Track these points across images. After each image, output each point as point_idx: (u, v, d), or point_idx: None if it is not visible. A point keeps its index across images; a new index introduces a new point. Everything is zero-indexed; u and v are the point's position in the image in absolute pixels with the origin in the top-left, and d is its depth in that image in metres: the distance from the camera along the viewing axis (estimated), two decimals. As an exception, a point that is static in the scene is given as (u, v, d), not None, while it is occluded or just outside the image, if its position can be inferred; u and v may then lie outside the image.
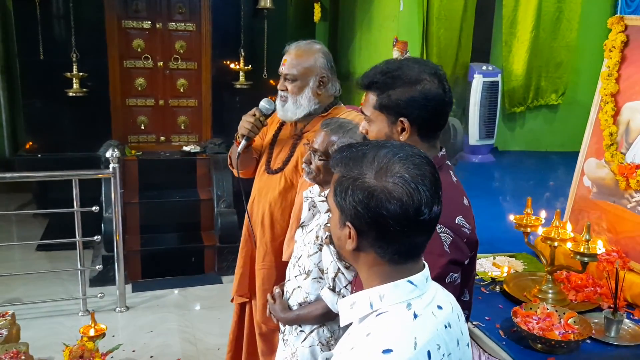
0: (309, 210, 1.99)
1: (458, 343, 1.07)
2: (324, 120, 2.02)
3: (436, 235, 1.33)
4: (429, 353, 0.98)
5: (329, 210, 1.88)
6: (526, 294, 2.39)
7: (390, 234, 0.99)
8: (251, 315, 2.51)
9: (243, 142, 2.32)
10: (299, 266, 1.98)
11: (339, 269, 1.84)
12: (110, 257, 4.28)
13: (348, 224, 1.02)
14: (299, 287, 1.98)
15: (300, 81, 2.26)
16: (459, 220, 1.39)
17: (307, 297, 1.96)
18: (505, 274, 2.54)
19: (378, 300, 1.02)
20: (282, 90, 2.29)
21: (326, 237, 1.84)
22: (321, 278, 1.92)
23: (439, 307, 1.06)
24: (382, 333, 0.97)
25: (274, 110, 2.35)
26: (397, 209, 0.97)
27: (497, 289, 2.47)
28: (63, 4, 4.74)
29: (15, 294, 4.16)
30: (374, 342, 0.96)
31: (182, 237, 4.99)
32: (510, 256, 2.83)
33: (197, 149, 5.27)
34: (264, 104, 2.32)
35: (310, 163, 1.94)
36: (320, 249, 1.90)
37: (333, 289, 1.85)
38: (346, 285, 1.83)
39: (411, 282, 1.03)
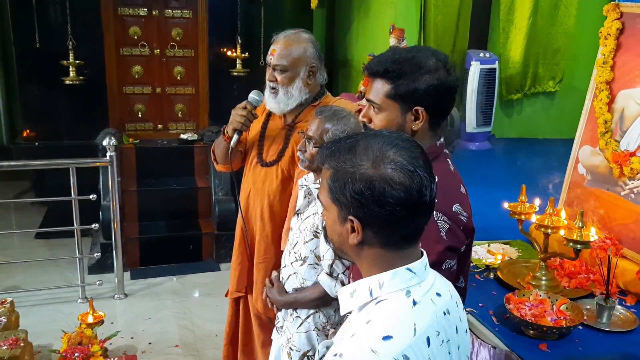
0: (305, 198, 2.00)
1: (457, 330, 1.09)
2: (318, 108, 2.02)
3: (433, 222, 1.35)
4: (428, 339, 0.99)
5: None
6: (520, 280, 2.42)
7: (396, 220, 1.00)
8: (246, 308, 2.51)
9: (235, 137, 2.27)
10: (295, 253, 2.01)
11: (335, 255, 1.86)
12: (108, 244, 4.30)
13: (351, 217, 1.02)
14: (294, 273, 2.02)
15: (291, 72, 2.23)
16: (455, 207, 1.41)
17: (303, 283, 1.99)
18: (499, 261, 2.56)
19: (378, 288, 1.03)
20: (271, 81, 2.26)
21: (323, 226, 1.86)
22: (317, 264, 1.95)
23: (438, 295, 1.07)
24: (382, 320, 0.99)
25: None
26: (402, 194, 0.98)
27: (491, 275, 2.50)
28: (58, -10, 4.71)
29: (14, 281, 4.18)
30: (374, 329, 0.97)
31: (180, 224, 5.00)
32: (505, 243, 2.86)
33: (195, 136, 5.27)
34: (254, 95, 2.29)
35: (305, 150, 1.95)
36: (316, 236, 1.92)
37: (330, 274, 1.87)
38: (344, 271, 1.86)
39: (410, 270, 1.04)
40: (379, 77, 1.49)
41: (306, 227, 1.96)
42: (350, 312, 1.11)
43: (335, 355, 0.97)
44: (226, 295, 2.57)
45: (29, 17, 4.69)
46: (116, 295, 4.05)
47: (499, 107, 5.44)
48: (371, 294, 1.04)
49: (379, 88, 1.48)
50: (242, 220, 2.39)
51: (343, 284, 1.85)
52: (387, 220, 1.01)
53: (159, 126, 5.44)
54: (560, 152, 4.84)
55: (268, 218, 2.33)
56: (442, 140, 1.54)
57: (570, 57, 5.48)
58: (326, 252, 1.88)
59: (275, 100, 2.27)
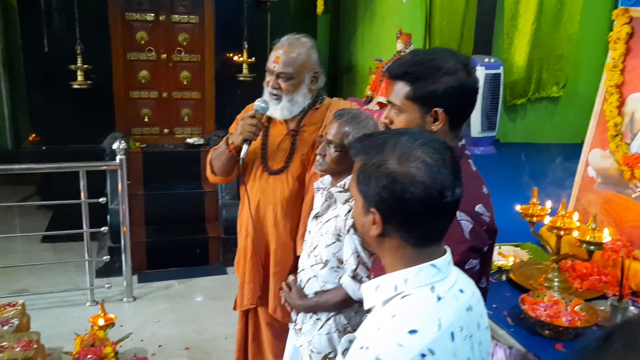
0: (326, 201, 2.01)
1: (478, 326, 1.11)
2: (337, 112, 2.01)
3: (456, 223, 1.36)
4: (452, 334, 1.01)
5: (347, 201, 1.92)
6: (532, 282, 2.43)
7: (414, 218, 1.03)
8: (255, 318, 2.46)
9: (245, 147, 2.19)
10: (315, 256, 2.00)
11: (359, 260, 1.87)
12: (115, 248, 4.32)
13: (372, 209, 1.05)
14: (314, 276, 2.01)
15: (296, 79, 2.20)
16: (478, 208, 1.43)
17: (324, 286, 1.98)
18: (511, 263, 2.58)
19: (402, 283, 1.05)
20: (275, 88, 2.20)
21: (350, 226, 1.87)
22: (339, 267, 1.95)
23: (461, 291, 1.09)
24: (407, 314, 1.01)
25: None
26: (421, 193, 1.00)
27: (504, 277, 2.52)
28: (67, -4, 4.74)
29: (21, 285, 4.19)
30: (400, 323, 0.99)
31: (187, 228, 5.01)
32: (516, 246, 2.88)
33: (201, 141, 5.29)
34: (260, 104, 2.21)
35: (325, 155, 1.94)
36: (339, 239, 1.93)
37: (354, 278, 1.88)
38: (367, 275, 1.86)
39: (434, 266, 1.06)
40: (398, 79, 1.51)
41: (328, 230, 1.96)
42: (372, 308, 1.13)
43: (362, 348, 0.98)
44: (234, 308, 2.50)
45: (37, 23, 4.73)
46: (125, 299, 4.06)
47: (503, 112, 5.48)
48: (396, 288, 1.06)
49: (399, 90, 1.51)
50: (254, 231, 2.32)
51: None
52: (406, 217, 1.04)
53: (165, 131, 5.46)
54: (565, 157, 4.87)
55: (283, 225, 2.29)
56: (463, 141, 1.56)
57: (573, 62, 5.54)
58: (350, 256, 1.89)
59: (278, 107, 2.23)
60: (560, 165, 4.55)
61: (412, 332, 0.97)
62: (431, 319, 1.00)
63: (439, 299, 1.04)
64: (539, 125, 5.68)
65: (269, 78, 2.24)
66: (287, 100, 2.22)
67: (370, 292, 1.10)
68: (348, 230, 1.90)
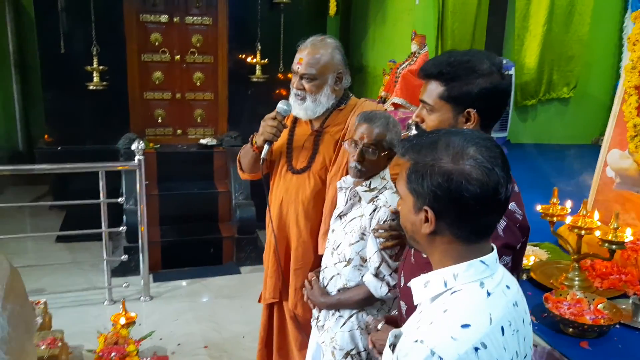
0: (350, 200, 2.04)
1: (523, 321, 1.14)
2: (361, 115, 2.01)
3: None
4: (502, 329, 1.04)
5: (372, 200, 1.95)
6: (553, 281, 2.46)
7: (469, 214, 1.06)
8: (281, 312, 2.52)
9: (266, 147, 2.26)
10: (339, 254, 2.03)
11: (383, 258, 1.91)
12: (131, 247, 4.37)
13: (426, 207, 1.07)
14: (338, 274, 2.04)
15: (319, 80, 2.23)
16: (511, 206, 1.45)
17: (346, 284, 2.01)
18: (531, 263, 2.61)
19: (452, 279, 1.08)
20: (299, 89, 2.26)
21: (376, 226, 1.90)
22: (362, 265, 1.98)
23: (508, 287, 1.12)
24: (459, 309, 1.04)
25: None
26: (478, 190, 1.03)
27: (524, 276, 2.54)
28: (83, -2, 4.79)
29: (39, 284, 4.23)
30: (452, 317, 1.02)
31: (201, 228, 5.06)
32: (534, 245, 2.91)
33: (214, 141, 5.34)
34: (282, 106, 2.26)
35: (363, 160, 1.92)
36: (363, 238, 1.96)
37: (376, 276, 1.92)
38: (390, 274, 1.90)
39: (483, 262, 1.09)
40: (433, 78, 1.54)
41: (352, 229, 1.99)
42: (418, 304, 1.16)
43: (416, 341, 1.01)
44: (259, 301, 2.57)
45: (54, 24, 4.78)
46: (142, 298, 4.10)
47: (514, 112, 5.50)
48: (446, 284, 1.09)
49: (433, 89, 1.53)
50: (273, 229, 2.38)
51: (389, 286, 1.90)
52: (461, 214, 1.06)
53: (179, 131, 5.52)
54: (576, 157, 4.91)
55: (304, 224, 2.33)
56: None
57: (584, 63, 5.55)
58: (373, 255, 1.92)
59: (302, 107, 2.28)
60: (572, 165, 4.58)
61: (465, 326, 1.00)
62: (482, 313, 1.03)
63: (489, 294, 1.06)
64: (550, 126, 5.70)
65: (294, 79, 2.30)
66: (311, 101, 2.26)
67: (419, 288, 1.13)
68: (373, 230, 1.93)
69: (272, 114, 2.26)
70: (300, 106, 2.28)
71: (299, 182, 2.35)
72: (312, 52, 2.23)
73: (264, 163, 2.32)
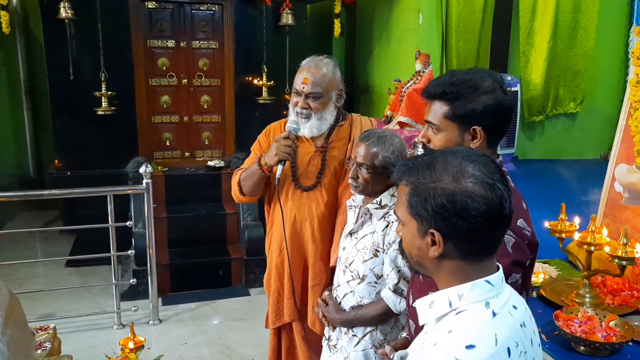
0: (360, 217, 2.05)
1: (532, 342, 1.11)
2: (362, 134, 2.08)
3: None
4: (508, 350, 1.02)
5: (384, 217, 1.96)
6: (563, 298, 2.44)
7: (477, 232, 1.04)
8: (290, 333, 2.51)
9: (280, 167, 2.26)
10: (351, 272, 2.04)
11: (400, 274, 1.91)
12: (139, 271, 4.36)
13: (432, 230, 1.06)
14: (351, 291, 2.05)
15: (325, 98, 2.30)
16: (520, 222, 1.45)
17: (361, 301, 2.02)
18: (541, 280, 2.58)
19: (457, 299, 1.07)
20: (304, 108, 2.29)
21: (395, 250, 1.91)
22: (376, 282, 1.99)
23: (514, 307, 1.10)
24: (464, 330, 1.02)
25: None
26: (484, 206, 1.02)
27: (534, 294, 2.52)
28: (92, 25, 4.84)
29: (48, 309, 4.24)
30: (457, 338, 1.00)
31: (209, 250, 5.05)
32: (544, 262, 2.88)
33: (222, 163, 5.36)
34: (292, 125, 2.29)
35: (358, 177, 2.01)
36: (376, 255, 1.96)
37: (395, 291, 1.91)
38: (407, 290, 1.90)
39: (489, 282, 1.07)
40: (437, 99, 1.55)
41: (365, 246, 2.00)
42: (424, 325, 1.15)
43: None
44: (267, 326, 2.55)
45: (63, 51, 4.84)
46: (151, 321, 4.08)
47: (521, 129, 5.50)
48: (450, 304, 1.08)
49: (437, 109, 1.55)
50: (286, 246, 2.38)
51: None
52: (469, 233, 1.04)
53: (187, 154, 5.55)
54: (585, 172, 4.88)
55: (319, 239, 2.37)
56: (500, 158, 1.59)
57: (590, 78, 5.56)
58: (391, 271, 1.93)
59: (307, 125, 2.32)
60: (580, 180, 4.55)
61: (470, 347, 0.98)
62: (488, 334, 1.01)
63: (494, 314, 1.04)
64: (557, 142, 5.69)
65: (296, 99, 2.33)
66: (317, 119, 2.32)
67: (424, 308, 1.12)
68: (386, 246, 1.94)
69: (284, 134, 2.28)
70: (304, 124, 2.33)
71: (309, 198, 2.38)
72: (316, 72, 2.29)
73: (279, 183, 2.33)
